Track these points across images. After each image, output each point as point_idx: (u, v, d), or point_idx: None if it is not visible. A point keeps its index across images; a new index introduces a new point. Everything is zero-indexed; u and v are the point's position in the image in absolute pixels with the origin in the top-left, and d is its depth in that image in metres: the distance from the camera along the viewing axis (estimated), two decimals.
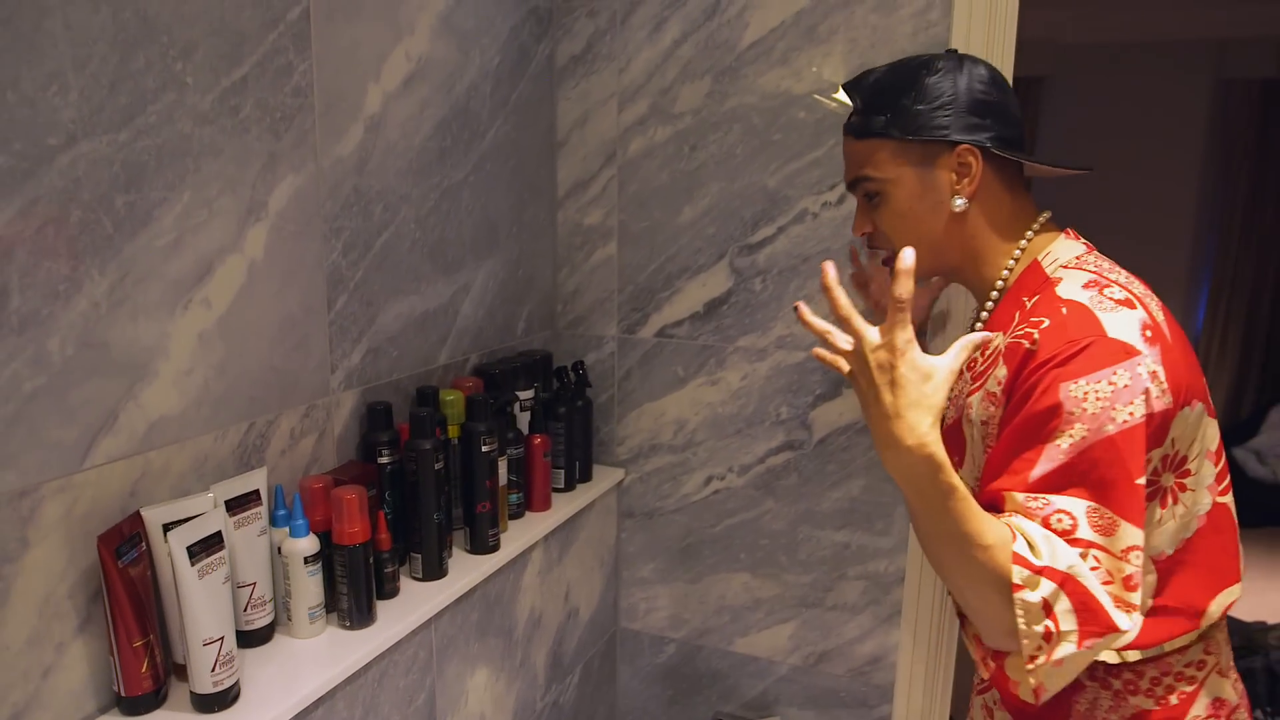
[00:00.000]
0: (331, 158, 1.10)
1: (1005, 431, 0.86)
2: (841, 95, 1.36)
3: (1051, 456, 0.81)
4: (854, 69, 1.38)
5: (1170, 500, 0.89)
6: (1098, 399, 0.81)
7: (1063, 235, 0.98)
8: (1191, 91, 4.60)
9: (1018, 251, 0.97)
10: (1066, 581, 0.78)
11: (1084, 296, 0.87)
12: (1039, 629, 0.78)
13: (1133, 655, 0.91)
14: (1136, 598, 0.81)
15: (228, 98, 0.95)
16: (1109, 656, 0.91)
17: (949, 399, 0.94)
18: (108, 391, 0.86)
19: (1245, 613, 3.09)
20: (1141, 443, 0.82)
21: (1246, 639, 2.81)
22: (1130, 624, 0.80)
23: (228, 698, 0.90)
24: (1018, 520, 0.81)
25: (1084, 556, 0.79)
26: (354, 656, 1.01)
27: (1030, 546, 0.79)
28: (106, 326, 0.85)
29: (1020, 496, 0.82)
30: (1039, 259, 0.96)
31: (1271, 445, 4.61)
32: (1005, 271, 0.98)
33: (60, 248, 0.80)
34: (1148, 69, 4.60)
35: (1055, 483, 0.81)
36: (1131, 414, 0.81)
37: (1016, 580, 0.77)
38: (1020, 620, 0.78)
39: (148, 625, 0.88)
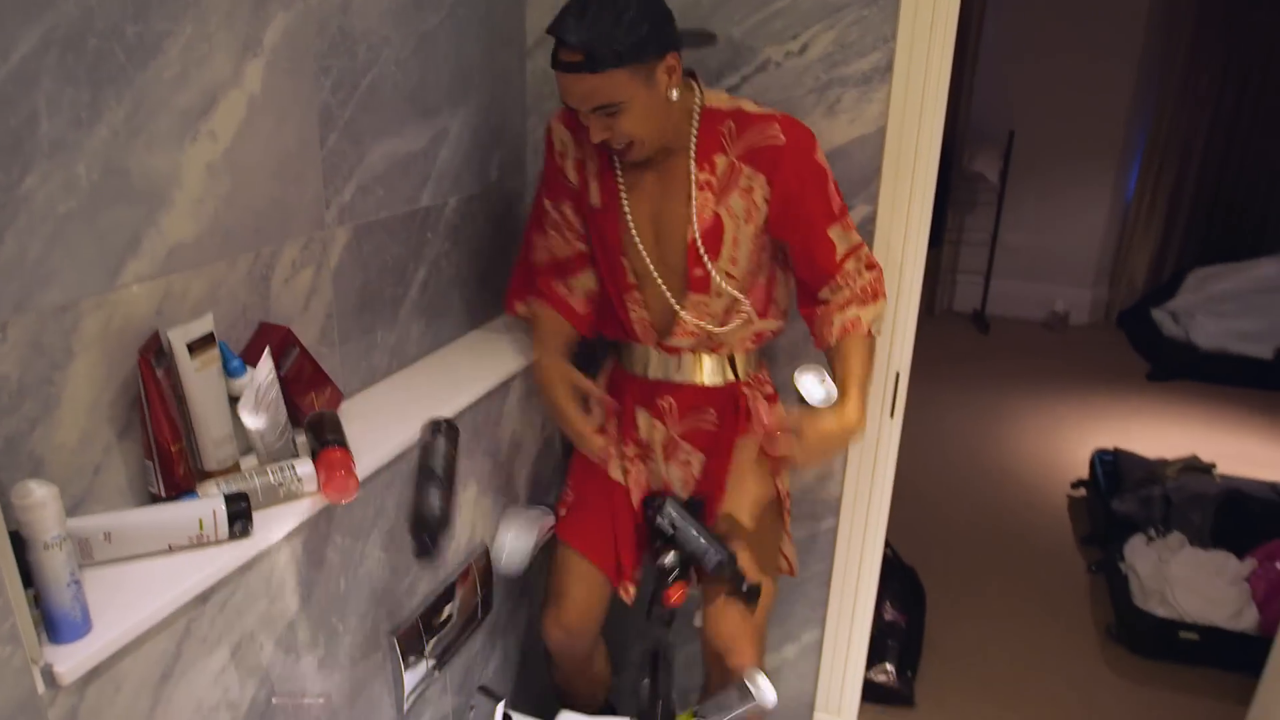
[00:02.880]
0: None
1: (795, 195, 1.30)
2: None
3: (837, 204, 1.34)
4: None
5: None
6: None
7: (699, 84, 1.34)
8: None
9: (696, 108, 1.31)
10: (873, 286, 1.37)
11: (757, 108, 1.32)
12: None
13: None
14: None
15: None
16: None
17: (696, 212, 1.33)
18: (131, 217, 0.92)
19: (1150, 452, 3.41)
20: None
21: (1148, 472, 3.12)
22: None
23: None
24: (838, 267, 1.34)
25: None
26: (363, 460, 1.12)
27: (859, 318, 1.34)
28: (126, 154, 0.90)
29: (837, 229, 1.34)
30: (709, 105, 1.32)
31: (1186, 307, 4.92)
32: (694, 124, 1.31)
33: (80, 75, 0.84)
34: None
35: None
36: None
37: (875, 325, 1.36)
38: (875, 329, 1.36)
39: (178, 431, 0.98)
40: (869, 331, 1.33)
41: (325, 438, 1.07)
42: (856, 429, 1.25)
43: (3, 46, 0.77)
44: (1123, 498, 3.01)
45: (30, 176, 0.81)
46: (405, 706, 1.31)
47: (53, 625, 0.78)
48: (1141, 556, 2.67)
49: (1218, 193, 5.18)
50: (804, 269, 1.38)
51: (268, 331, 1.12)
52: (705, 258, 1.34)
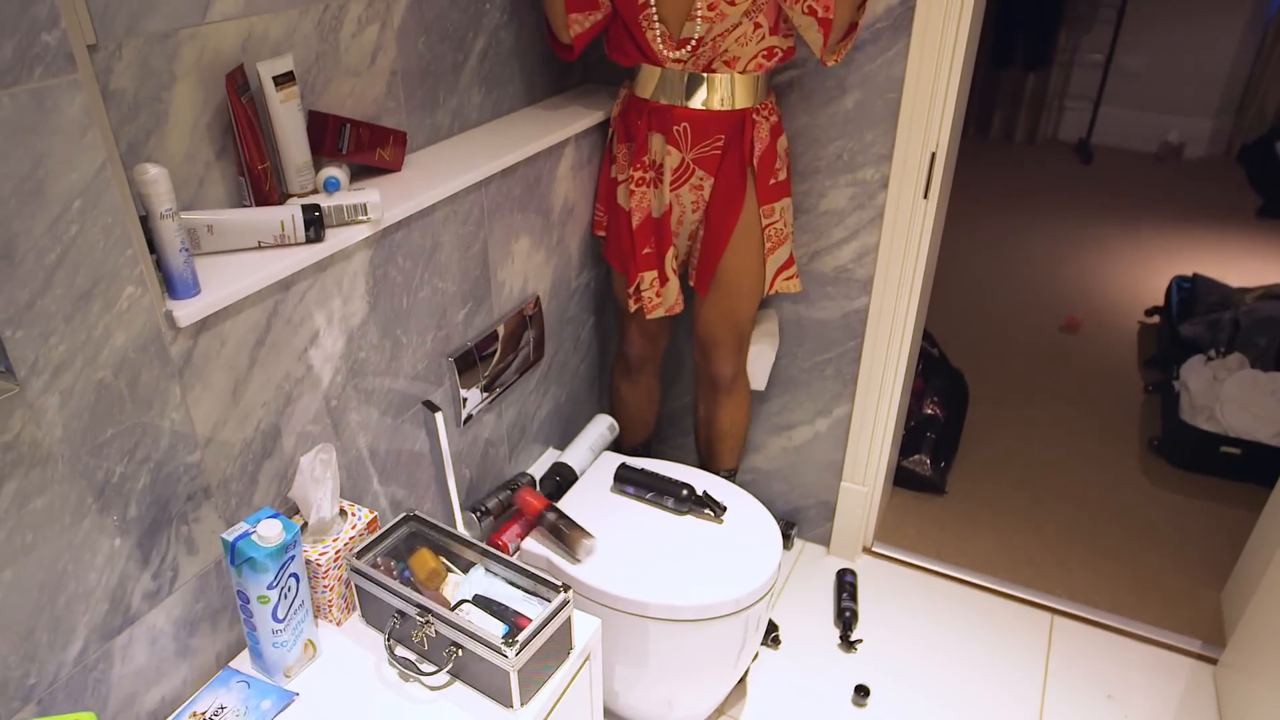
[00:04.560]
0: None
1: None
2: None
3: None
4: None
5: None
6: None
7: None
8: None
9: None
10: None
11: None
12: None
13: None
14: None
15: None
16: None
17: None
18: None
19: (1237, 283, 3.32)
20: None
21: (1224, 298, 3.07)
22: None
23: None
24: None
25: None
26: (424, 196, 1.29)
27: None
28: None
29: None
30: None
31: None
32: None
33: None
34: None
35: None
36: None
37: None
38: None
39: (264, 153, 1.16)
40: None
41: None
42: None
43: None
44: (1192, 322, 2.99)
45: None
46: (461, 420, 1.54)
47: (170, 284, 0.99)
48: (1196, 375, 2.69)
49: None
50: None
51: (317, 121, 1.24)
52: None
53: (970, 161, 4.83)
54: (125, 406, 0.97)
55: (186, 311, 0.99)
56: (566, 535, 1.49)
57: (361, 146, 1.31)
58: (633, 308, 1.73)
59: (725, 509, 1.62)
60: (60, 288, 0.88)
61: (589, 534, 1.48)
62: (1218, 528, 2.35)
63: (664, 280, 1.70)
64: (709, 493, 1.64)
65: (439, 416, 1.43)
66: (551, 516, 1.51)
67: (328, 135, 1.25)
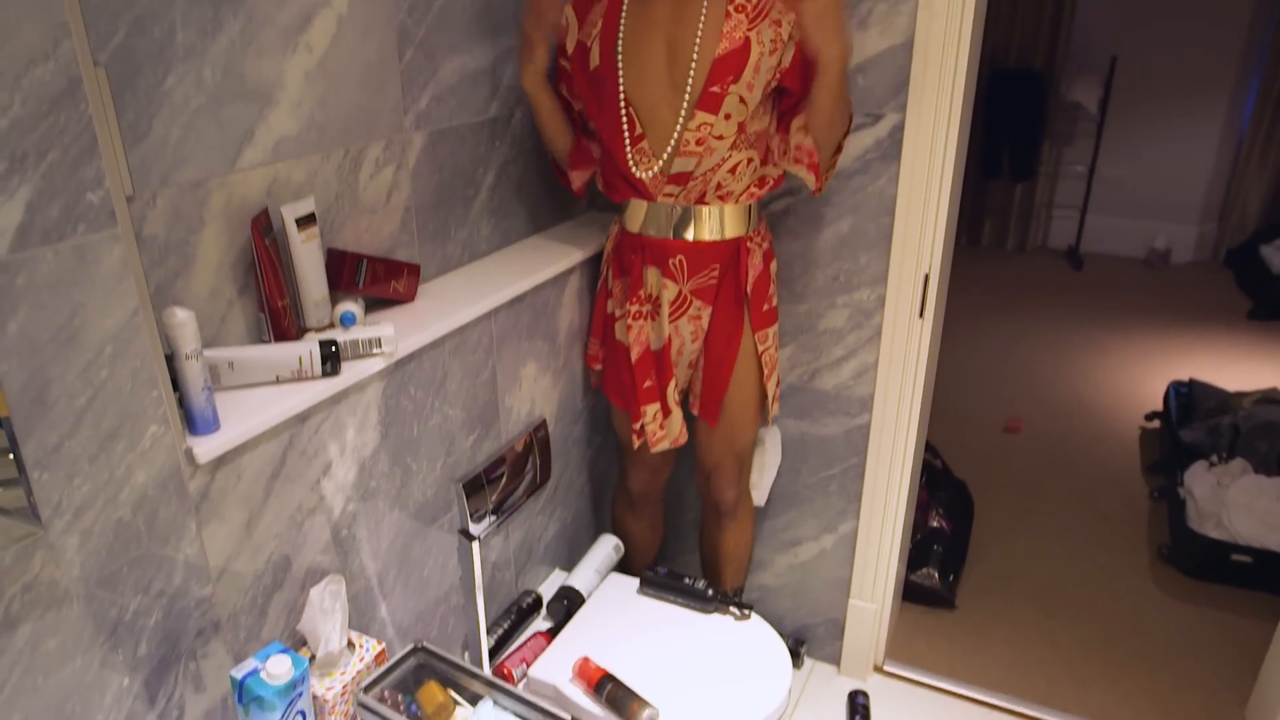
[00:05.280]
0: None
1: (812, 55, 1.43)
2: None
3: None
4: None
5: None
6: None
7: None
8: None
9: None
10: None
11: None
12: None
13: None
14: None
15: None
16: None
17: (723, 34, 1.43)
18: (245, 112, 1.14)
19: (1231, 387, 3.36)
20: None
21: (1222, 402, 3.10)
22: None
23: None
24: None
25: None
26: (435, 328, 1.34)
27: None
28: (241, 60, 1.12)
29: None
30: None
31: None
32: None
33: None
34: None
35: None
36: None
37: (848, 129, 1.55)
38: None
39: (284, 290, 1.21)
40: (852, 113, 1.55)
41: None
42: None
43: None
44: (1192, 427, 3.01)
45: (170, 77, 1.04)
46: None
47: (191, 421, 1.02)
48: (1200, 481, 2.69)
49: None
50: (795, 101, 1.52)
51: (335, 257, 1.30)
52: (728, 77, 1.44)
53: (964, 269, 4.94)
54: (142, 543, 0.99)
55: (206, 448, 1.01)
56: (625, 706, 1.45)
57: (377, 280, 1.36)
58: (637, 443, 1.72)
59: (751, 606, 1.65)
60: (88, 430, 0.91)
61: (648, 704, 1.45)
62: (1235, 640, 2.31)
63: (667, 412, 1.69)
64: (737, 591, 1.65)
65: (475, 547, 1.42)
66: (610, 687, 1.48)
67: (345, 271, 1.31)
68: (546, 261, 1.65)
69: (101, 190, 0.88)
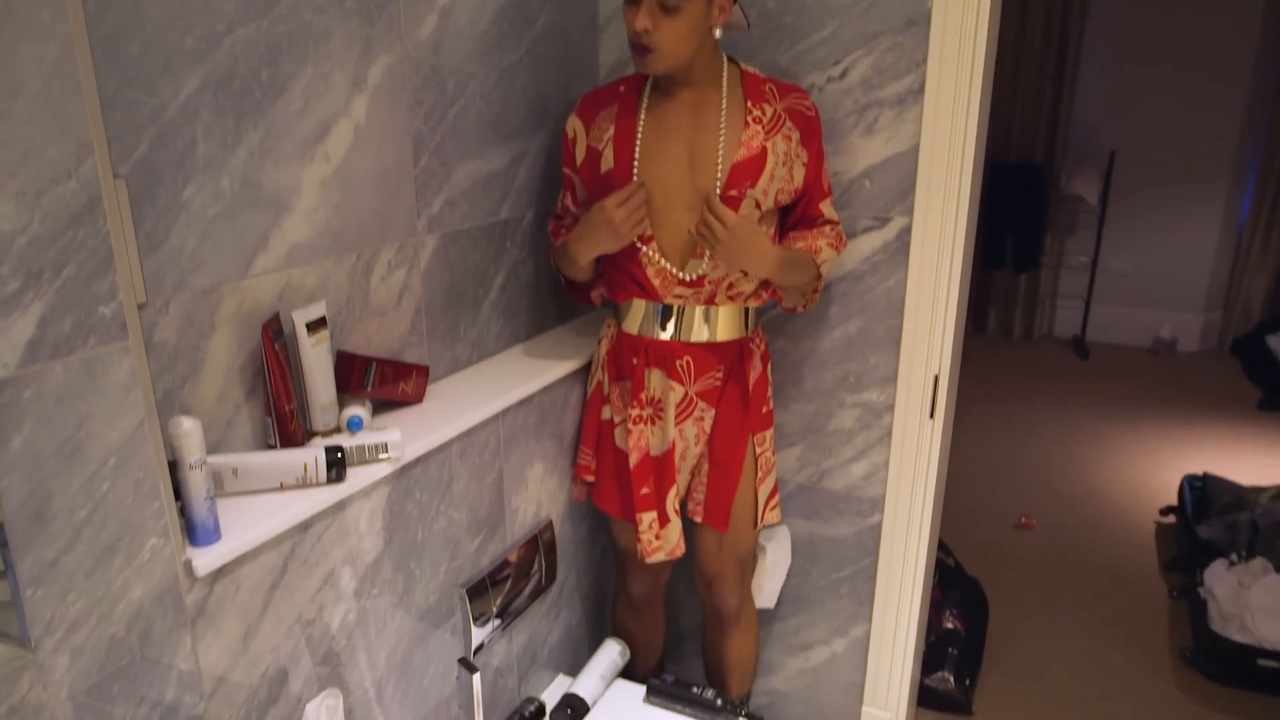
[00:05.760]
0: (414, 41, 1.36)
1: (816, 166, 1.54)
2: None
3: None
4: None
5: None
6: None
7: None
8: None
9: (725, 64, 1.50)
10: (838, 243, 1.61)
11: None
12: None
13: None
14: None
15: None
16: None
17: (741, 141, 1.48)
18: (261, 220, 1.16)
19: (1246, 480, 3.32)
20: None
21: (1238, 498, 3.05)
22: None
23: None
24: (821, 223, 1.60)
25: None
26: (442, 431, 1.33)
27: (821, 249, 1.57)
28: (259, 170, 1.14)
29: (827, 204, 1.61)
30: (745, 69, 1.52)
31: None
32: (724, 76, 1.50)
33: (228, 108, 1.09)
34: None
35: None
36: None
37: (820, 270, 1.59)
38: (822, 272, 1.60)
39: (292, 394, 1.21)
40: (820, 261, 1.57)
41: None
42: (737, 228, 1.43)
43: (175, 87, 1.02)
44: (1209, 523, 2.95)
45: (189, 187, 1.05)
46: (472, 650, 1.50)
47: (192, 531, 1.00)
48: (1221, 581, 2.62)
49: None
50: (791, 223, 1.61)
51: (344, 360, 1.30)
52: (745, 182, 1.47)
53: (969, 358, 4.93)
54: (134, 659, 0.96)
55: (205, 560, 0.99)
56: None
57: (385, 382, 1.36)
58: (637, 551, 1.68)
59: (761, 718, 1.59)
60: (86, 544, 0.89)
61: None
62: None
63: (664, 521, 1.63)
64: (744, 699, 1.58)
65: (476, 679, 1.37)
66: None
67: (354, 374, 1.30)
68: (555, 360, 1.65)
69: (115, 303, 0.88)
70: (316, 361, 1.22)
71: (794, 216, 1.60)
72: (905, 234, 1.67)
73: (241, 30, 1.09)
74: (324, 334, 1.23)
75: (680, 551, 1.67)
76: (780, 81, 1.53)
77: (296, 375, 1.22)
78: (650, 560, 1.64)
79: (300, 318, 1.19)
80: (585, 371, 1.74)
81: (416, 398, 1.41)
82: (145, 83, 0.99)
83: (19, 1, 0.77)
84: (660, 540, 1.64)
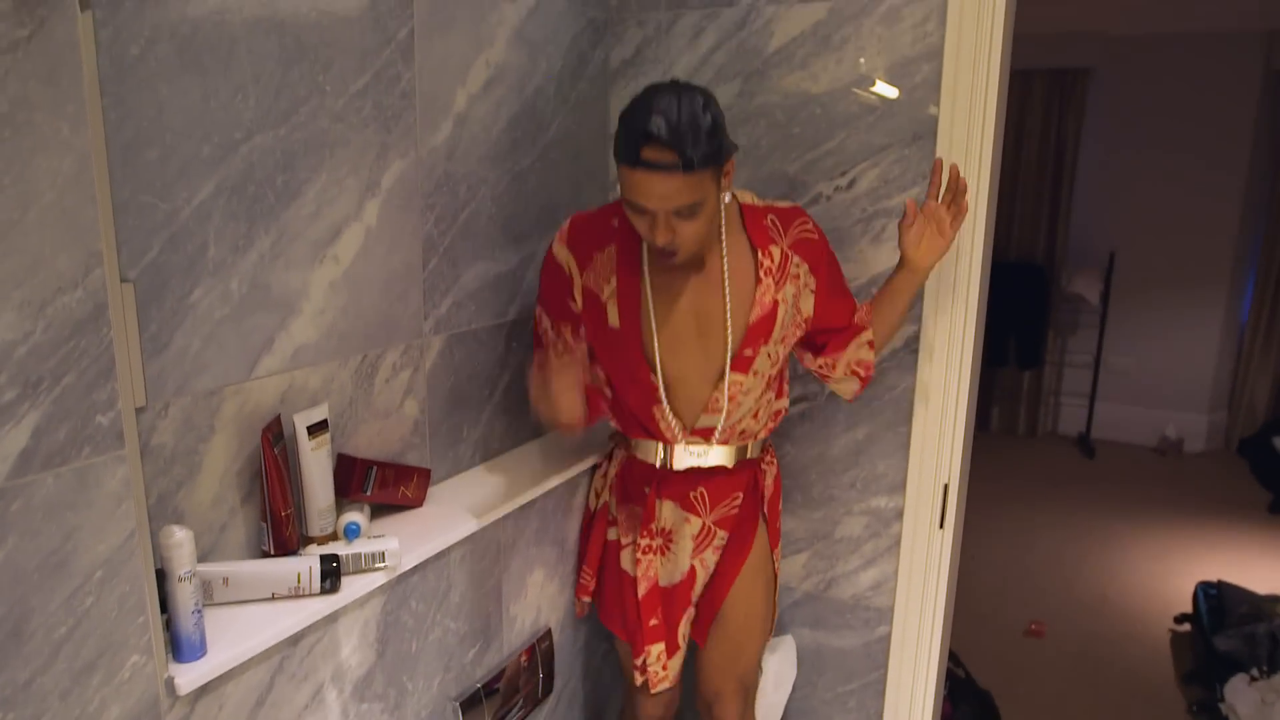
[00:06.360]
0: (428, 147, 1.38)
1: (828, 285, 1.47)
2: (880, 89, 1.62)
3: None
4: (864, 72, 1.61)
5: None
6: None
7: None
8: (1241, 83, 4.65)
9: (734, 205, 1.43)
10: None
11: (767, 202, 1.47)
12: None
13: None
14: None
15: (354, 100, 1.23)
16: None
17: (756, 299, 1.41)
18: (268, 322, 1.15)
19: (1261, 587, 3.23)
20: None
21: (1255, 607, 2.96)
22: None
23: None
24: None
25: None
26: (442, 539, 1.29)
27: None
28: (268, 273, 1.14)
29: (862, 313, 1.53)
30: (743, 202, 1.44)
31: None
32: (722, 220, 1.40)
33: (241, 213, 1.09)
34: (1196, 60, 4.67)
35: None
36: None
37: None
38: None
39: (289, 500, 1.18)
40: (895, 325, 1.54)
41: None
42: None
43: (189, 193, 1.02)
44: (1226, 634, 2.86)
45: (197, 290, 1.05)
46: None
47: (177, 646, 0.96)
48: (1243, 698, 2.53)
49: None
50: (824, 338, 1.53)
51: (344, 464, 1.28)
52: (760, 341, 1.42)
53: (975, 456, 4.88)
54: None
55: (189, 678, 0.94)
56: None
57: (386, 485, 1.33)
58: (639, 680, 1.61)
59: None
60: (64, 663, 0.85)
61: None
62: None
63: (673, 652, 1.58)
64: None
65: None
66: None
67: (354, 477, 1.28)
68: (558, 463, 1.62)
69: (113, 411, 0.86)
70: (316, 466, 1.20)
71: (820, 339, 1.53)
72: (914, 341, 1.66)
73: (259, 137, 1.10)
74: (325, 437, 1.21)
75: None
76: (779, 208, 1.45)
77: (295, 479, 1.20)
78: (656, 690, 1.58)
79: (302, 421, 1.17)
80: (589, 474, 1.70)
81: (417, 501, 1.38)
82: (160, 189, 0.99)
83: (39, 115, 0.78)
84: (666, 671, 1.58)
